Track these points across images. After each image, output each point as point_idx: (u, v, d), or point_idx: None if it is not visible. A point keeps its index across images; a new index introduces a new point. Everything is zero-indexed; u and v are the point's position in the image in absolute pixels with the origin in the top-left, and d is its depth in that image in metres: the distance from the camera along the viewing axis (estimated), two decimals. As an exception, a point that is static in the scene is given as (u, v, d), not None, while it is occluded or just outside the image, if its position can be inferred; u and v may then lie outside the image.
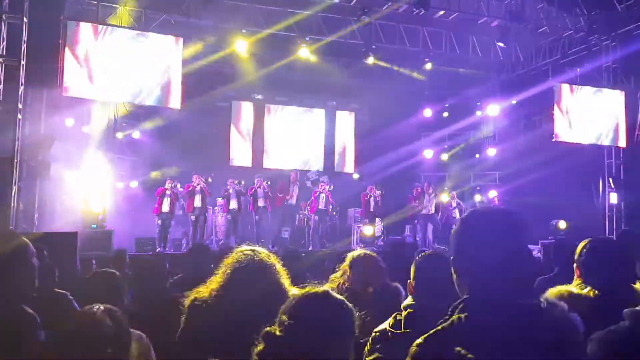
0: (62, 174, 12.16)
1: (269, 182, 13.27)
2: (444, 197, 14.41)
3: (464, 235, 1.60)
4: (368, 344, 2.43)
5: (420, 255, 2.72)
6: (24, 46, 9.62)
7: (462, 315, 1.46)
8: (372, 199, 13.88)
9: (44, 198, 11.04)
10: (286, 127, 17.02)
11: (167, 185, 12.27)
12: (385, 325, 2.44)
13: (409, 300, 2.53)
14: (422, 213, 13.65)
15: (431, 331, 1.49)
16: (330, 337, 1.70)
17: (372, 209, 13.88)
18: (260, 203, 12.95)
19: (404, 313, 2.41)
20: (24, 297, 2.44)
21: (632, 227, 12.06)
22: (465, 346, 1.38)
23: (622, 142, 14.41)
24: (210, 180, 13.40)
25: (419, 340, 1.49)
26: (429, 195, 13.78)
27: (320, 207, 13.29)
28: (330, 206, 14.41)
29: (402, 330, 2.34)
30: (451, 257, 1.62)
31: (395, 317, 2.43)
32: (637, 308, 1.73)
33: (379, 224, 14.30)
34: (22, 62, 9.61)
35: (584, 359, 1.59)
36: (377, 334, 2.43)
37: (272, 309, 1.84)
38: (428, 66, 15.17)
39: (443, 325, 1.48)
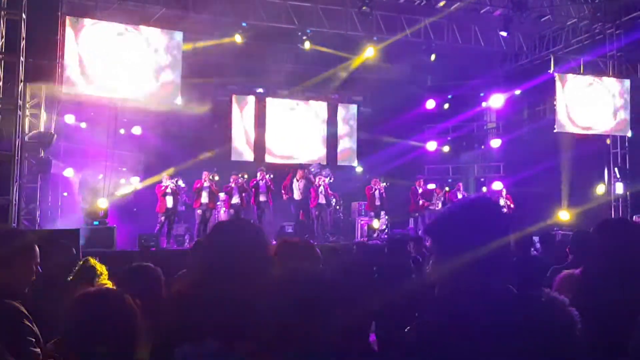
0: (62, 171, 12.13)
1: (271, 175, 13.17)
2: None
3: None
4: None
5: None
6: (22, 43, 9.58)
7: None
8: (377, 192, 13.82)
9: (45, 195, 11.00)
10: (288, 120, 16.91)
11: (166, 182, 12.22)
12: None
13: None
14: (429, 208, 13.71)
15: None
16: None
17: (377, 202, 13.83)
18: (262, 197, 12.88)
19: None
20: (15, 294, 2.44)
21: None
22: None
23: (627, 132, 14.28)
24: (217, 177, 13.39)
25: None
26: (438, 195, 13.90)
27: (320, 200, 13.21)
28: (334, 199, 14.38)
29: None
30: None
31: None
32: None
33: (383, 217, 14.26)
34: (21, 59, 9.57)
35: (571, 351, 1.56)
36: None
37: (258, 267, 1.96)
38: (432, 57, 15.02)
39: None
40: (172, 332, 2.02)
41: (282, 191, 13.02)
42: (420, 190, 13.86)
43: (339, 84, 16.78)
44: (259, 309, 1.71)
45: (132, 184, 13.97)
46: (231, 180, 12.96)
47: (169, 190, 12.14)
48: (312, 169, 15.62)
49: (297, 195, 12.99)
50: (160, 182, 12.38)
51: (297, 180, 12.95)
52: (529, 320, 1.45)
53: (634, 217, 13.33)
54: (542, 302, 1.51)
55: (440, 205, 13.76)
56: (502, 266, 1.57)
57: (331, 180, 14.03)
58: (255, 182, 12.96)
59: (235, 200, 12.89)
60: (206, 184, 12.53)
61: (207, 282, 2.08)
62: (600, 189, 13.91)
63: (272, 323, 1.67)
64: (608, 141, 14.59)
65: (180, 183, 12.54)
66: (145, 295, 2.62)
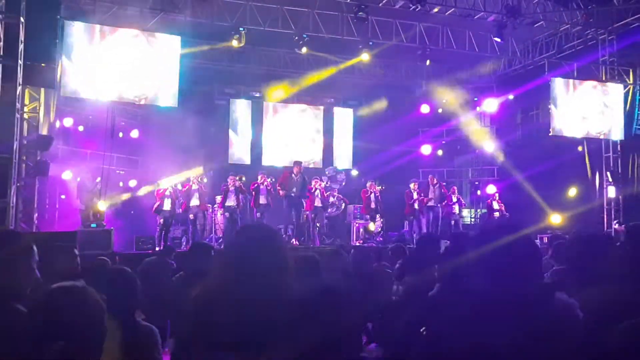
0: (60, 174, 12.19)
1: (272, 179, 13.22)
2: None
3: None
4: None
5: None
6: (21, 46, 9.64)
7: None
8: (372, 195, 13.91)
9: (43, 198, 11.06)
10: (284, 124, 17.03)
11: (165, 185, 12.32)
12: None
13: None
14: (427, 205, 13.78)
15: None
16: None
17: (373, 205, 13.92)
18: (262, 200, 12.91)
19: None
20: (18, 295, 2.45)
21: (630, 221, 12.09)
22: None
23: (619, 136, 14.43)
24: (205, 180, 13.45)
25: None
26: (434, 187, 13.94)
27: (316, 204, 13.28)
28: (344, 204, 14.54)
29: None
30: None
31: None
32: None
33: (379, 220, 14.36)
34: (20, 62, 9.62)
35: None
36: None
37: (281, 279, 1.97)
38: (427, 62, 15.16)
39: None
40: (189, 340, 2.05)
41: (278, 187, 12.99)
42: (415, 195, 13.96)
43: (335, 88, 16.91)
44: (280, 325, 1.72)
45: (130, 187, 14.03)
46: (229, 181, 12.96)
47: (167, 193, 12.20)
48: (327, 172, 15.69)
49: (292, 191, 12.98)
50: (178, 184, 12.45)
51: (295, 176, 12.97)
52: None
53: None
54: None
55: (438, 199, 13.87)
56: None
57: (328, 184, 14.10)
58: (256, 185, 12.99)
59: (231, 202, 12.86)
60: (195, 187, 12.57)
61: (230, 287, 2.07)
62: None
63: (291, 342, 1.68)
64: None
65: (179, 187, 12.61)
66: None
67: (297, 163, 13.31)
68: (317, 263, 3.19)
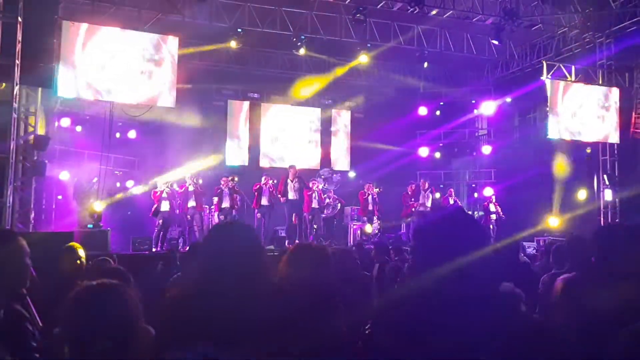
0: (58, 174, 12.16)
1: (275, 181, 13.21)
2: (437, 195, 14.51)
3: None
4: None
5: None
6: (18, 46, 9.61)
7: None
8: (370, 197, 13.94)
9: (39, 198, 11.02)
10: (282, 125, 17.03)
11: (162, 187, 12.28)
12: None
13: None
14: (418, 210, 13.75)
15: None
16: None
17: (370, 207, 13.94)
18: (264, 201, 12.92)
19: None
20: (14, 295, 2.46)
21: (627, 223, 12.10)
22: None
23: (616, 139, 14.47)
24: (200, 181, 13.42)
25: None
26: (425, 192, 13.94)
27: (313, 205, 13.29)
28: (339, 204, 14.55)
29: None
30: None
31: None
32: None
33: (376, 222, 14.37)
34: (17, 62, 9.60)
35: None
36: None
37: (254, 271, 1.96)
38: (425, 64, 15.18)
39: None
40: (167, 338, 2.01)
41: (279, 195, 13.01)
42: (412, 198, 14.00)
43: (332, 90, 16.92)
44: (253, 313, 1.72)
45: (128, 188, 14.00)
46: (222, 182, 12.96)
47: (164, 195, 12.18)
48: (322, 175, 15.69)
49: (292, 195, 12.99)
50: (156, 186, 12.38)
51: (291, 181, 12.98)
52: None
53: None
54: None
55: (429, 203, 13.87)
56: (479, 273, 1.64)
57: (325, 187, 14.11)
58: (258, 186, 13.00)
59: (225, 204, 12.85)
60: (191, 189, 12.54)
61: (203, 286, 2.08)
62: (582, 194, 14.13)
63: (267, 328, 1.68)
64: (588, 150, 14.84)
65: (176, 187, 12.58)
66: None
67: (292, 167, 13.35)
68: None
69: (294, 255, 2.73)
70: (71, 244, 4.90)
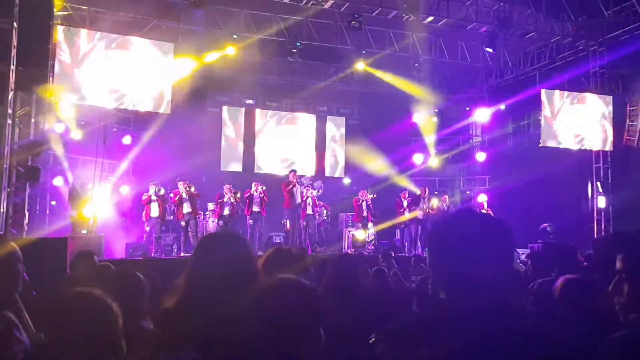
0: (52, 179, 12.12)
1: (264, 187, 13.19)
2: (435, 202, 14.51)
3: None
4: None
5: None
6: (13, 51, 9.59)
7: None
8: (364, 203, 13.94)
9: (33, 203, 10.98)
10: (277, 132, 17.05)
11: (151, 190, 12.18)
12: None
13: None
14: (417, 217, 13.76)
15: None
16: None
17: (364, 214, 13.94)
18: (255, 208, 12.90)
19: None
20: (6, 302, 2.45)
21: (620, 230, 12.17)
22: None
23: (609, 147, 14.56)
24: (192, 188, 13.37)
25: None
26: (424, 199, 13.96)
27: (307, 212, 13.29)
28: (325, 210, 14.52)
29: None
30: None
31: None
32: None
33: (371, 229, 14.37)
34: (12, 67, 9.58)
35: None
36: None
37: (242, 282, 1.94)
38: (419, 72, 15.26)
39: None
40: (157, 345, 2.03)
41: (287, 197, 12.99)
42: (405, 203, 13.98)
43: (327, 97, 16.96)
44: (237, 319, 1.72)
45: (122, 194, 13.94)
46: (225, 189, 12.85)
47: (153, 197, 12.09)
48: (304, 182, 15.70)
49: (298, 199, 12.97)
50: (147, 190, 12.32)
51: (293, 186, 12.96)
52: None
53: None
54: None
55: (426, 211, 13.89)
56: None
57: (319, 193, 14.12)
58: (249, 193, 12.98)
59: (226, 212, 12.80)
60: (185, 196, 12.43)
61: (191, 295, 2.09)
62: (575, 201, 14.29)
63: (250, 334, 1.67)
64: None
65: (162, 192, 12.43)
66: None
67: (293, 171, 13.35)
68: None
69: (271, 260, 2.76)
70: (85, 250, 4.96)
